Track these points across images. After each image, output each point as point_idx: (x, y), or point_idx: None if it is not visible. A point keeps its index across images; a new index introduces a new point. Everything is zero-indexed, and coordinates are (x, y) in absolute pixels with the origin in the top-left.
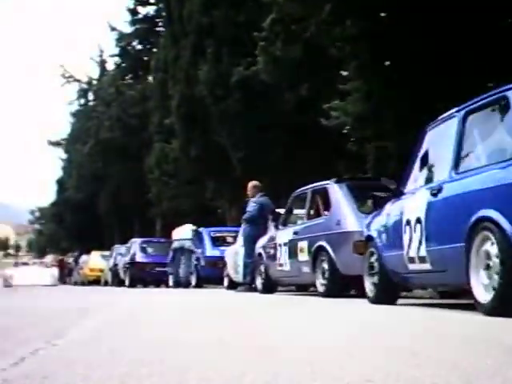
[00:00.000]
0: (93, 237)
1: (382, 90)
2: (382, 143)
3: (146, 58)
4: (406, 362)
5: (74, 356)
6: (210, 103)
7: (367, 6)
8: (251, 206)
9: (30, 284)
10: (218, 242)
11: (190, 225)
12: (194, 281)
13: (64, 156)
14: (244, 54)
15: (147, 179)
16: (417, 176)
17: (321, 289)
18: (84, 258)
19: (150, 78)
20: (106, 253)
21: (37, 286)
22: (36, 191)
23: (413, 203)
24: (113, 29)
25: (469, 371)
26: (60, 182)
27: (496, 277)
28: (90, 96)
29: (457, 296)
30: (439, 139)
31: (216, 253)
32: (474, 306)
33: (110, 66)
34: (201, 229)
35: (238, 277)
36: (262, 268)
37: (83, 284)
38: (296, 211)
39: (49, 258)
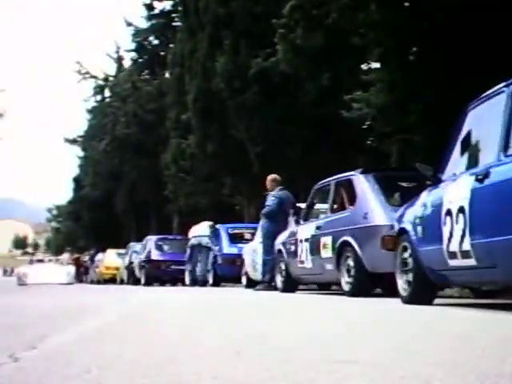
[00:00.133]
0: (110, 235)
1: (407, 79)
2: (407, 136)
3: (162, 54)
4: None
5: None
6: (227, 96)
7: None
8: (270, 200)
9: (46, 282)
10: (235, 238)
11: (210, 222)
12: (211, 279)
13: (81, 154)
14: (262, 45)
15: (164, 176)
16: (457, 161)
17: (346, 287)
18: (100, 256)
19: (167, 75)
20: (122, 251)
21: (52, 284)
22: (54, 189)
23: (454, 191)
24: (129, 24)
25: None
26: (76, 180)
27: None
28: (107, 93)
29: (493, 295)
30: (483, 119)
31: (234, 250)
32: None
33: (127, 62)
34: (218, 225)
35: (257, 275)
36: (282, 265)
37: (99, 282)
38: (318, 205)
39: (65, 257)
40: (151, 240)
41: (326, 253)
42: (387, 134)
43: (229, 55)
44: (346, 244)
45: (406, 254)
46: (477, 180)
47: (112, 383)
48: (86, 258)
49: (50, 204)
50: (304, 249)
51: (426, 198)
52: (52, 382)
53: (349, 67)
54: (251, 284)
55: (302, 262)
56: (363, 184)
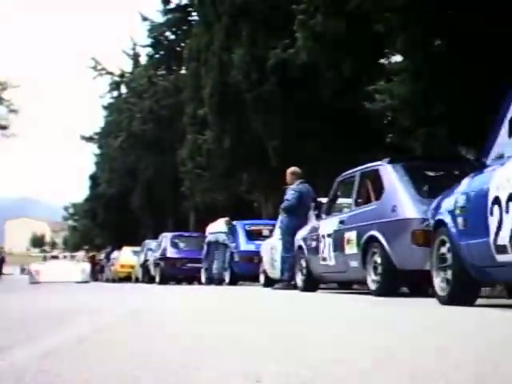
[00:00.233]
0: (126, 233)
1: (432, 69)
2: (431, 129)
3: (178, 49)
4: None
5: None
6: (245, 89)
7: None
8: (290, 194)
9: (59, 280)
10: (253, 235)
11: (226, 218)
12: (227, 278)
13: (97, 151)
14: (281, 36)
15: (180, 172)
16: (505, 143)
17: (372, 286)
18: (115, 254)
19: (183, 71)
20: (137, 248)
21: (67, 282)
22: (72, 188)
23: (503, 176)
24: (144, 19)
25: None
26: (93, 178)
27: None
28: (123, 89)
29: None
30: None
31: (251, 247)
32: None
33: (143, 59)
34: (235, 222)
35: (275, 273)
36: (303, 263)
37: (114, 281)
38: (340, 200)
39: (80, 254)
40: (166, 237)
41: (351, 249)
42: (410, 128)
43: (246, 46)
44: (373, 239)
45: (444, 249)
46: None
47: None
48: (102, 256)
49: (67, 202)
50: (326, 245)
51: (469, 185)
52: None
53: (371, 56)
54: (269, 283)
55: (324, 259)
56: (391, 174)
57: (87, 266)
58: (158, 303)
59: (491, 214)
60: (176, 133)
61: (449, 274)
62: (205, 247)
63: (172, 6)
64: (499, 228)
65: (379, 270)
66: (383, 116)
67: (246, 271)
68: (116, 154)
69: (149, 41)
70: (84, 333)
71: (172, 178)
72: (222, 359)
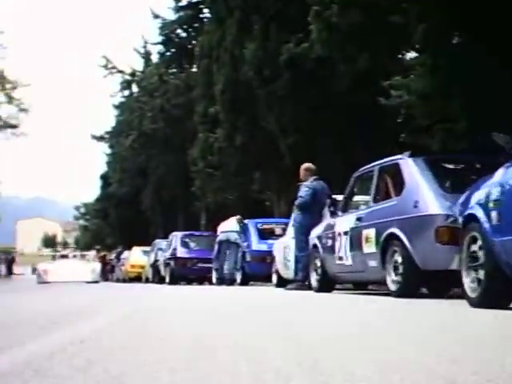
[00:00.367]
0: (137, 232)
1: (450, 63)
2: (449, 125)
3: (189, 47)
4: None
5: None
6: (257, 85)
7: None
8: (303, 191)
9: (68, 280)
10: (265, 234)
11: (238, 216)
12: (239, 278)
13: (108, 151)
14: (294, 30)
15: (191, 172)
16: None
17: (392, 287)
18: (126, 254)
19: (194, 69)
20: (148, 248)
21: (76, 282)
22: (84, 187)
23: None
24: (156, 16)
25: None
26: (104, 177)
27: None
28: (134, 88)
29: None
30: None
31: (263, 246)
32: None
33: (155, 57)
34: (246, 220)
35: (289, 273)
36: (318, 262)
37: (124, 281)
38: (356, 198)
39: (91, 253)
40: (177, 236)
41: (369, 247)
42: (426, 124)
43: (258, 41)
44: (393, 237)
45: (476, 247)
46: None
47: None
48: (113, 255)
49: (79, 202)
50: (343, 243)
51: (504, 176)
52: None
53: (388, 49)
54: (282, 283)
55: (340, 259)
56: (412, 168)
57: (97, 266)
58: (161, 303)
59: None
60: (187, 132)
61: (481, 273)
62: (216, 246)
63: (183, 3)
64: None
65: (400, 269)
66: (398, 113)
67: (257, 271)
68: (127, 153)
69: (160, 38)
70: (60, 344)
71: (183, 178)
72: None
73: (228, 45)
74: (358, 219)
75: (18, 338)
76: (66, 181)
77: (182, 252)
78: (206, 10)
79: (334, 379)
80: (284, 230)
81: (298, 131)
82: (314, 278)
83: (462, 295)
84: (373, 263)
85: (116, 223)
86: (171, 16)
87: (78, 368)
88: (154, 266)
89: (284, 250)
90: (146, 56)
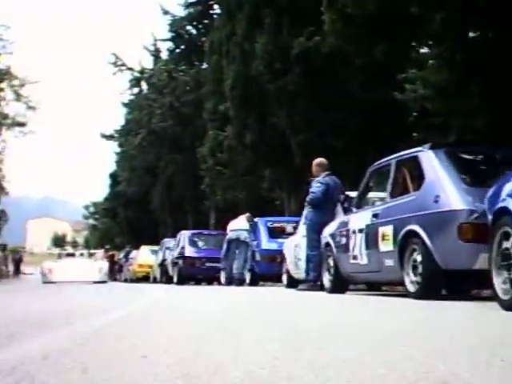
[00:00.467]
0: (146, 232)
1: (470, 54)
2: (467, 121)
3: (199, 44)
4: None
5: None
6: (267, 80)
7: None
8: (315, 187)
9: (74, 280)
10: (275, 233)
11: (247, 214)
12: (248, 278)
13: (118, 149)
14: (306, 23)
15: (200, 170)
16: None
17: (411, 288)
18: (134, 253)
19: (204, 66)
20: (156, 247)
21: (83, 282)
22: (94, 187)
23: None
24: (165, 12)
25: None
26: (113, 176)
27: None
28: (144, 86)
29: None
30: None
31: (273, 245)
32: None
33: (164, 55)
34: (256, 219)
35: (300, 273)
36: (331, 261)
37: (132, 281)
38: (371, 194)
39: (99, 252)
40: (185, 235)
41: (386, 246)
42: (443, 121)
43: (269, 35)
44: (412, 234)
45: (508, 244)
46: None
47: None
48: (121, 255)
49: (89, 201)
50: (357, 241)
51: None
52: None
53: (405, 40)
54: (293, 283)
55: (354, 258)
56: (433, 161)
57: (105, 265)
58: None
59: None
60: (196, 130)
61: None
62: (224, 245)
63: None
64: None
65: (419, 269)
66: (413, 108)
67: (267, 271)
68: (136, 151)
69: (169, 35)
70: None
71: (192, 176)
72: None
73: (238, 39)
74: (374, 216)
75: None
76: (77, 180)
77: (190, 251)
78: (215, 6)
79: None
80: (295, 228)
81: (310, 128)
82: (326, 278)
83: (491, 297)
84: (390, 262)
85: (125, 223)
86: (181, 12)
87: None
88: (162, 265)
89: (295, 248)
90: (156, 53)
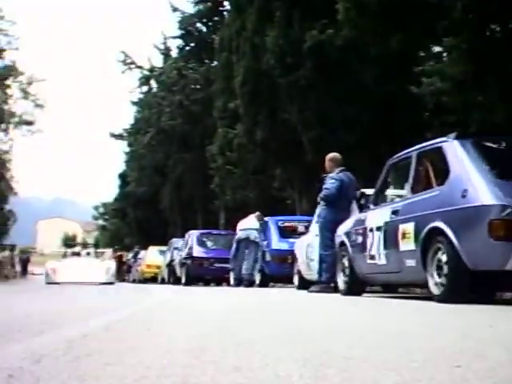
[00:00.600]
0: (155, 232)
1: (488, 47)
2: (487, 116)
3: (209, 41)
4: None
5: None
6: (278, 75)
7: None
8: (329, 183)
9: (80, 281)
10: (286, 232)
11: (257, 213)
12: (258, 279)
13: (127, 149)
14: (318, 16)
15: (210, 169)
16: None
17: (435, 290)
18: (142, 253)
19: (214, 64)
20: (164, 248)
21: (89, 283)
22: (104, 188)
23: None
24: (175, 9)
25: None
26: (122, 176)
27: None
28: (153, 84)
29: None
30: None
31: (284, 245)
32: None
33: (174, 53)
34: (267, 218)
35: (312, 274)
36: (346, 262)
37: (140, 282)
38: (390, 192)
39: (108, 252)
40: (193, 235)
41: (407, 244)
42: (460, 115)
43: (280, 28)
44: (436, 232)
45: None
46: None
47: None
48: (130, 255)
49: (99, 202)
50: (375, 240)
51: None
52: None
53: (421, 29)
54: (305, 285)
55: (372, 258)
56: (459, 152)
57: (112, 265)
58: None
59: None
60: (206, 128)
61: None
62: (234, 245)
63: None
64: None
65: (444, 270)
66: (430, 103)
67: (278, 272)
68: (145, 150)
69: (179, 33)
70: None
71: (201, 175)
72: None
73: (248, 34)
74: (394, 212)
75: None
76: (88, 181)
77: (198, 251)
78: (225, 3)
79: None
80: (307, 227)
81: (322, 124)
82: (341, 280)
83: None
84: (411, 262)
85: (134, 223)
86: (190, 9)
87: None
88: (170, 266)
89: (307, 248)
90: (166, 52)
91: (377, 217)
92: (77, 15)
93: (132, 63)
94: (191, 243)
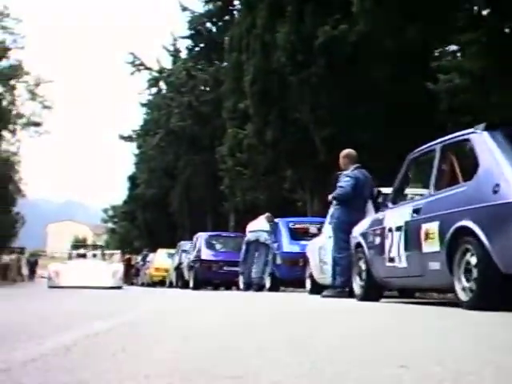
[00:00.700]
0: (165, 235)
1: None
2: (507, 113)
3: (219, 41)
4: None
5: None
6: (290, 73)
7: None
8: (343, 182)
9: (85, 285)
10: (297, 234)
11: (267, 214)
12: (268, 283)
13: (137, 151)
14: (330, 11)
15: (219, 171)
16: None
17: (463, 296)
18: (151, 256)
19: (224, 65)
20: (173, 251)
21: (94, 288)
22: (115, 190)
23: None
24: (184, 9)
25: None
26: (132, 179)
27: None
28: (162, 86)
29: None
30: None
31: (295, 248)
32: None
33: (184, 54)
34: (277, 219)
35: (325, 278)
36: (362, 265)
37: (149, 285)
38: (409, 191)
39: (118, 253)
40: (202, 237)
41: (431, 246)
42: (481, 113)
43: (291, 24)
44: (464, 232)
45: None
46: None
47: None
48: (139, 258)
49: (108, 205)
50: (395, 241)
51: None
52: None
53: (439, 21)
54: (317, 289)
55: (391, 260)
56: (489, 144)
57: (119, 268)
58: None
59: None
60: (215, 129)
61: None
62: (243, 247)
63: None
64: None
65: (474, 273)
66: (446, 100)
67: (289, 275)
68: (154, 152)
69: (188, 33)
70: None
71: (211, 177)
72: None
73: (259, 30)
74: (416, 211)
75: None
76: (98, 184)
77: (206, 254)
78: (236, 2)
79: None
80: (319, 229)
81: (335, 122)
82: (356, 284)
83: None
84: (435, 265)
85: (143, 226)
86: (200, 9)
87: None
88: (178, 269)
89: (319, 251)
90: (175, 53)
91: (396, 216)
92: (85, 16)
93: (141, 65)
94: (199, 246)
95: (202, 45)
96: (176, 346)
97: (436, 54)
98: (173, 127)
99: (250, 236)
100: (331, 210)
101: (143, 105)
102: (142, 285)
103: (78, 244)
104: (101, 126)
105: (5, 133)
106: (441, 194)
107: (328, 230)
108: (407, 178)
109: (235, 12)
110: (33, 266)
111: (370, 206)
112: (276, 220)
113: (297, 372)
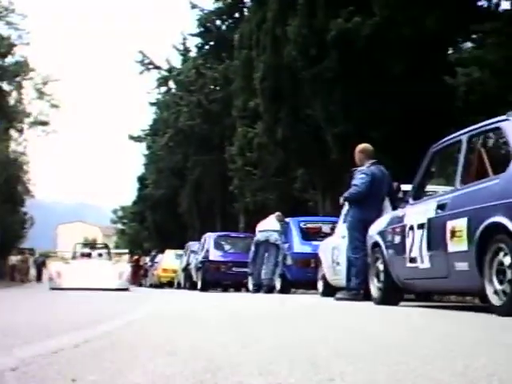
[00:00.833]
0: (174, 236)
1: None
2: None
3: (229, 39)
4: None
5: None
6: (301, 68)
7: None
8: (358, 179)
9: (88, 286)
10: (309, 234)
11: (277, 213)
12: (278, 284)
13: (146, 152)
14: (344, 3)
15: (229, 170)
16: None
17: (495, 300)
18: (159, 257)
19: (234, 62)
20: (181, 252)
21: (99, 290)
22: (125, 191)
23: None
24: (193, 6)
25: None
26: (141, 179)
27: None
28: (171, 85)
29: None
30: None
31: (307, 248)
32: None
33: (193, 53)
34: (288, 219)
35: (339, 279)
36: (380, 265)
37: (157, 286)
38: (430, 187)
39: (124, 256)
40: (210, 237)
41: (457, 245)
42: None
43: (303, 17)
44: (497, 229)
45: None
46: None
47: None
48: (147, 259)
49: (117, 205)
50: (417, 240)
51: None
52: None
53: (459, 9)
54: (330, 291)
55: (412, 260)
56: None
57: (126, 268)
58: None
59: None
60: (225, 128)
61: None
62: (252, 248)
63: None
64: None
65: (508, 275)
66: (465, 95)
67: (300, 277)
68: (163, 152)
69: (198, 31)
70: None
71: (220, 177)
72: None
73: (269, 25)
74: (440, 207)
75: None
76: (109, 185)
77: (215, 255)
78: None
79: None
80: (332, 229)
81: (347, 120)
82: (374, 286)
83: None
84: (462, 266)
85: (152, 226)
86: (210, 6)
87: None
88: (186, 270)
89: (332, 251)
90: (185, 52)
91: (418, 213)
92: (94, 14)
93: (150, 64)
94: (208, 246)
95: (211, 43)
96: (158, 365)
97: (452, 51)
98: (182, 126)
99: (259, 236)
100: (345, 208)
101: (152, 104)
102: (150, 286)
103: (83, 243)
104: (110, 126)
105: (12, 132)
106: (469, 188)
107: (342, 229)
108: (429, 173)
109: (245, 9)
110: (40, 267)
111: (386, 203)
112: (287, 219)
113: None
